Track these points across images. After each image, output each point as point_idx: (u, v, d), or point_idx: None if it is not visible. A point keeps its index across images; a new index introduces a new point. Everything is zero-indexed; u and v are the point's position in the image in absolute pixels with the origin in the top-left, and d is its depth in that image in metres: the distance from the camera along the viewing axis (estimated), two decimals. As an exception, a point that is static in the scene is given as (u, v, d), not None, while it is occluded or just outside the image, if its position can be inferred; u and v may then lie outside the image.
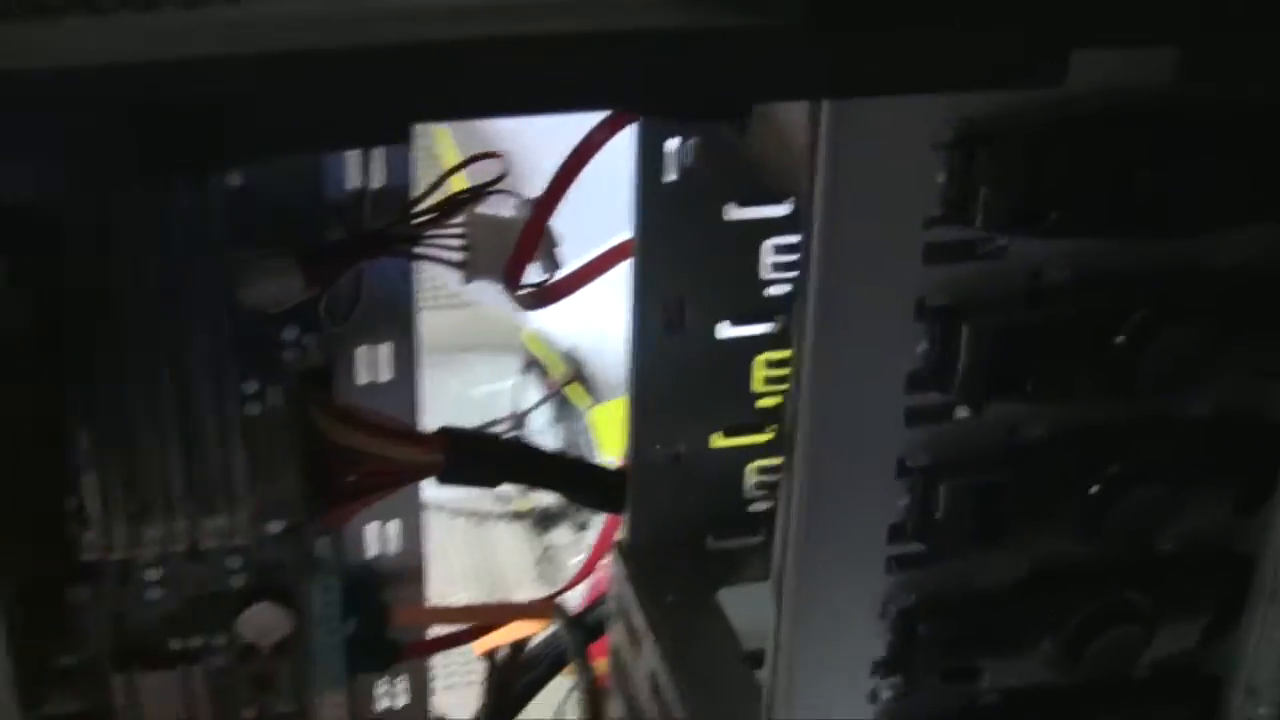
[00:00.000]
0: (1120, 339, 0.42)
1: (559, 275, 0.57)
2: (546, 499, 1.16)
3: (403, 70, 0.33)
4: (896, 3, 0.35)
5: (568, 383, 1.23)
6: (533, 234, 0.54)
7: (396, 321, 0.58)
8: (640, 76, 0.34)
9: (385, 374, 0.58)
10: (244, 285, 0.53)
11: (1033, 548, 0.46)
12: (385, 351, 0.58)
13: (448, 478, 0.56)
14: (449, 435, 0.56)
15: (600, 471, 0.66)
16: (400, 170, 0.56)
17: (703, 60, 0.34)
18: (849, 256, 0.41)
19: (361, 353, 0.58)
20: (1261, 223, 0.43)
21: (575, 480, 0.63)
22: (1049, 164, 0.40)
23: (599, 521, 0.66)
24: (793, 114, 0.44)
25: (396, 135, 0.35)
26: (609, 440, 1.15)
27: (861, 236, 0.41)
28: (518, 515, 1.19)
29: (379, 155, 0.55)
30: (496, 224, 0.56)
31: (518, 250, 0.54)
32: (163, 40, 0.32)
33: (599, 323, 0.91)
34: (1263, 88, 0.41)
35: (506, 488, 0.69)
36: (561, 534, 1.19)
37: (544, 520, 1.19)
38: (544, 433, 1.23)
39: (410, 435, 0.56)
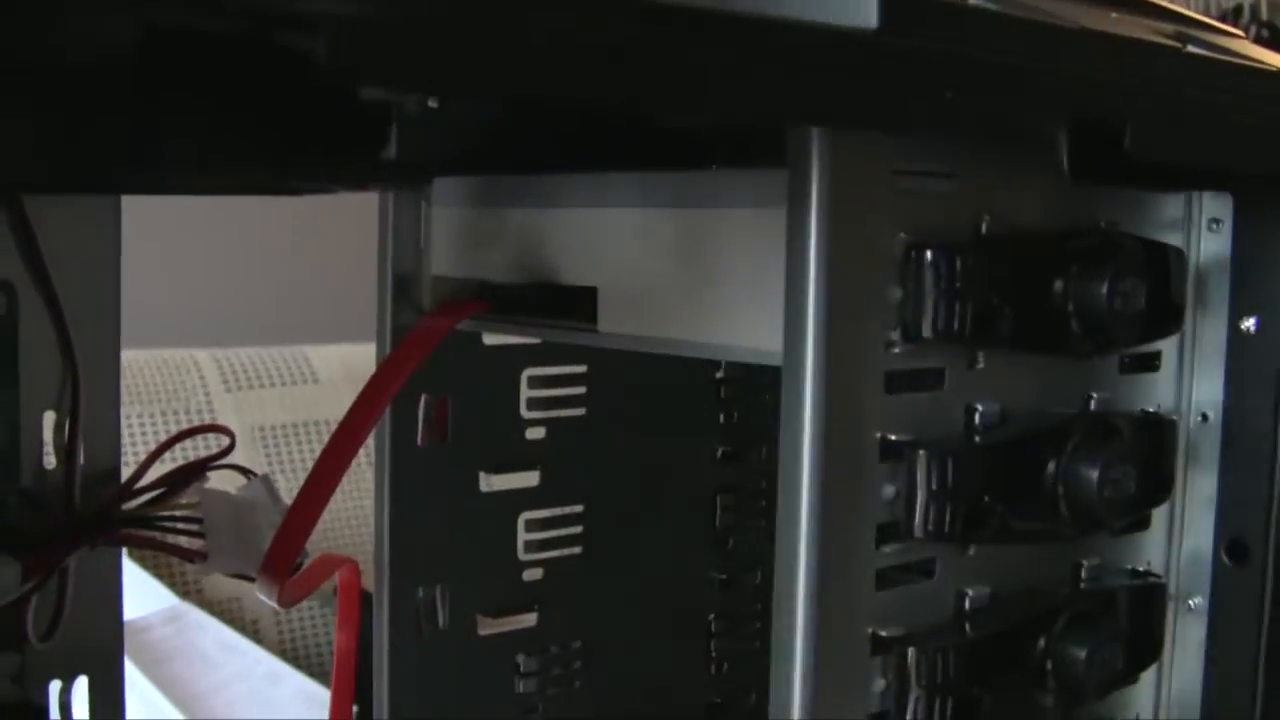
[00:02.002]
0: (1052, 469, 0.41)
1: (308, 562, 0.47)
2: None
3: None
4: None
5: None
6: (307, 515, 0.44)
7: (102, 641, 0.45)
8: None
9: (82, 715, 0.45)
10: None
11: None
12: (82, 687, 0.45)
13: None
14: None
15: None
16: (106, 447, 0.45)
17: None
18: (831, 393, 0.37)
19: (55, 689, 0.44)
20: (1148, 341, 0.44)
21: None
22: (989, 274, 0.39)
23: None
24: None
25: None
26: None
27: (841, 368, 0.37)
28: None
29: (82, 428, 0.44)
30: (230, 502, 0.46)
31: (283, 538, 0.44)
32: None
33: None
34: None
35: None
36: None
37: None
38: None
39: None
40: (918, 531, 0.39)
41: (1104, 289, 0.41)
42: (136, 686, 1.12)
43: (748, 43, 0.30)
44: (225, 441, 0.48)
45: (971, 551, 0.41)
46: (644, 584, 0.56)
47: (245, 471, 0.48)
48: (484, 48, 0.26)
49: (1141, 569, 0.47)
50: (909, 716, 0.39)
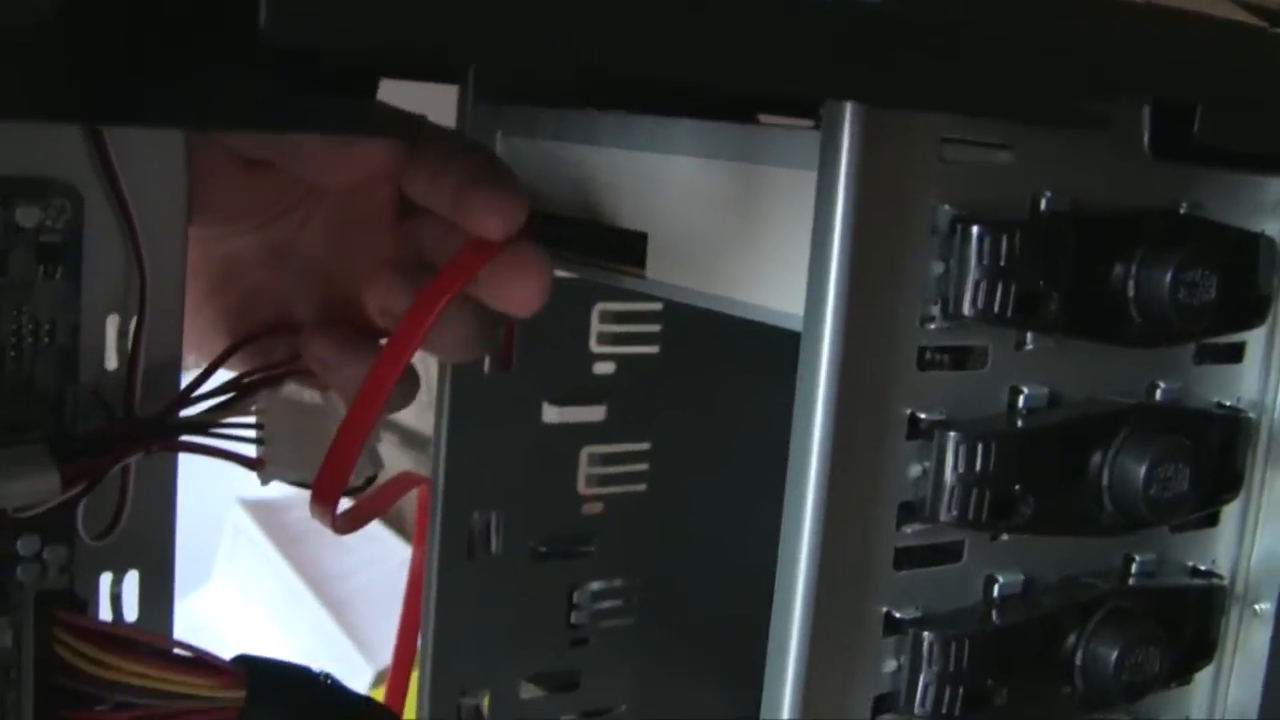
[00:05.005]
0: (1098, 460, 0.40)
1: (373, 487, 0.48)
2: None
3: None
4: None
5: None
6: (353, 438, 0.43)
7: (155, 540, 0.46)
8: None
9: (131, 611, 0.46)
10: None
11: (1013, 712, 0.40)
12: (132, 581, 0.46)
13: (243, 724, 0.44)
14: (251, 665, 0.44)
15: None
16: (167, 350, 0.46)
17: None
18: (851, 366, 0.36)
19: (105, 581, 0.45)
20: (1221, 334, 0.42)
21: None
22: (1040, 254, 0.37)
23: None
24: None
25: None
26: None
27: (865, 341, 0.36)
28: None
29: (147, 327, 0.45)
30: (298, 410, 0.47)
31: (334, 457, 0.43)
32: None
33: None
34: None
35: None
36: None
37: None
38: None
39: (204, 663, 0.43)
40: (942, 515, 0.38)
41: (1168, 278, 0.38)
42: (272, 564, 1.17)
43: (748, 17, 0.29)
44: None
45: (1005, 538, 0.40)
46: (707, 528, 0.56)
47: (318, 379, 0.48)
48: (436, 12, 0.25)
49: (1204, 568, 0.45)
50: (918, 702, 0.38)
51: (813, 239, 0.35)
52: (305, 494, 1.23)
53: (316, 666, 0.47)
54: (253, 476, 0.49)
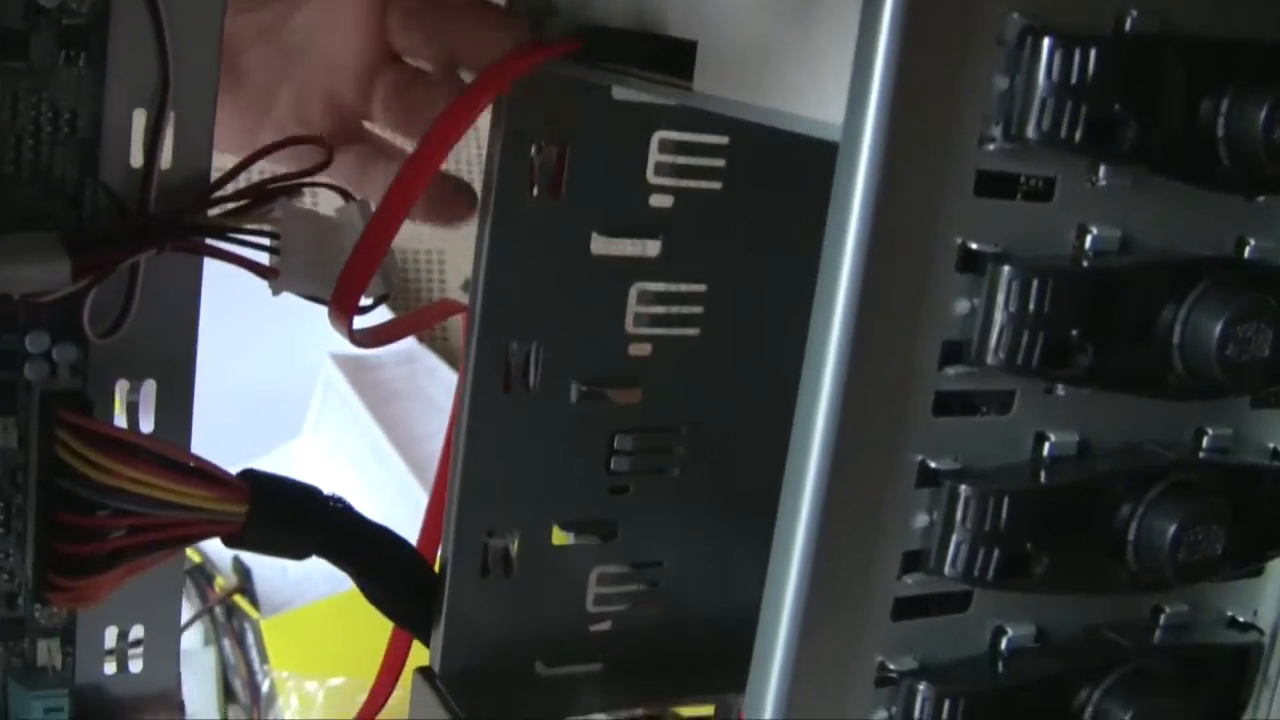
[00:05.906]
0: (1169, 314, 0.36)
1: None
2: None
3: None
4: None
5: (232, 593, 1.07)
6: (376, 243, 0.42)
7: (173, 347, 0.44)
8: None
9: (147, 420, 0.44)
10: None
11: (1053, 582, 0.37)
12: (149, 390, 0.44)
13: (246, 538, 0.42)
14: (256, 480, 0.42)
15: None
16: (197, 151, 0.43)
17: None
18: (893, 182, 0.32)
19: (121, 389, 0.44)
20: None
21: (401, 577, 0.49)
22: (1120, 76, 0.33)
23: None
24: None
25: None
26: (281, 655, 1.00)
27: (910, 156, 0.32)
28: None
29: (170, 129, 0.43)
30: (316, 222, 0.44)
31: (352, 265, 0.42)
32: None
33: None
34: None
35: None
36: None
37: None
38: (202, 650, 1.06)
39: (206, 474, 0.41)
40: (989, 358, 0.34)
41: (1262, 116, 0.34)
42: (360, 422, 1.15)
43: None
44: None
45: (1060, 391, 0.36)
46: (762, 379, 0.53)
47: (344, 193, 0.46)
48: None
49: (1287, 450, 0.41)
50: (949, 562, 0.35)
51: (859, 36, 0.32)
52: (396, 352, 1.22)
53: (328, 490, 0.45)
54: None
